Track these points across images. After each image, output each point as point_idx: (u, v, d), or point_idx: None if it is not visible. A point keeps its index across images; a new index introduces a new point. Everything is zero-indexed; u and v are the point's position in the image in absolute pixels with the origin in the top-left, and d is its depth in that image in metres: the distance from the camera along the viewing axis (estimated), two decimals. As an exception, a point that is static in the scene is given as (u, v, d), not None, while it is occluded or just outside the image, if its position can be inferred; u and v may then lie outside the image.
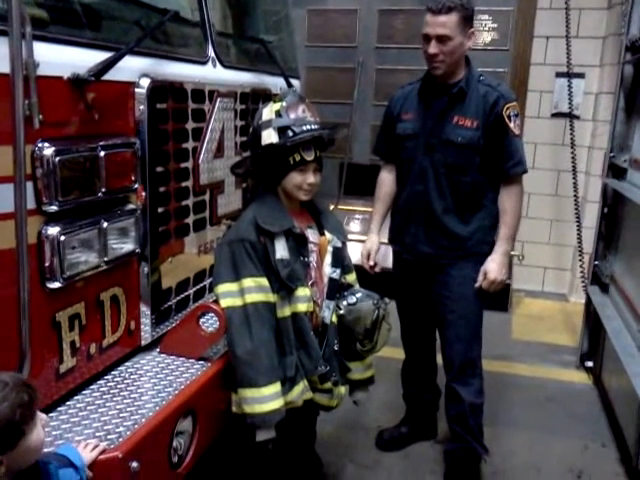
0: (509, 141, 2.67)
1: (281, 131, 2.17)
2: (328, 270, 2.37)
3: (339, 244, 2.41)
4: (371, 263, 2.93)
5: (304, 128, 2.18)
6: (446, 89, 2.69)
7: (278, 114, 2.20)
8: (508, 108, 2.64)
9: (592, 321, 4.14)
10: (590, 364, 4.15)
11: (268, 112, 2.23)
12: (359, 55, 5.61)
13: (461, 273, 2.76)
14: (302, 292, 2.22)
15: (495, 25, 5.52)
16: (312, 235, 2.34)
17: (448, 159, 2.68)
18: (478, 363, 2.83)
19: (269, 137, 2.19)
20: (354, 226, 5.53)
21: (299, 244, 2.25)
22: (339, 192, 5.49)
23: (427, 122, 2.73)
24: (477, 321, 2.81)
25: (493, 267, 2.70)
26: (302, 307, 2.23)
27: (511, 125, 2.65)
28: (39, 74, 1.56)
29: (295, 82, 3.28)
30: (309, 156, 2.20)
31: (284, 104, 2.22)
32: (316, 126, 2.22)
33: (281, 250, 2.18)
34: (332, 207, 5.17)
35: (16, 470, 1.34)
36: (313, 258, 2.32)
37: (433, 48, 2.56)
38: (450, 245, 2.75)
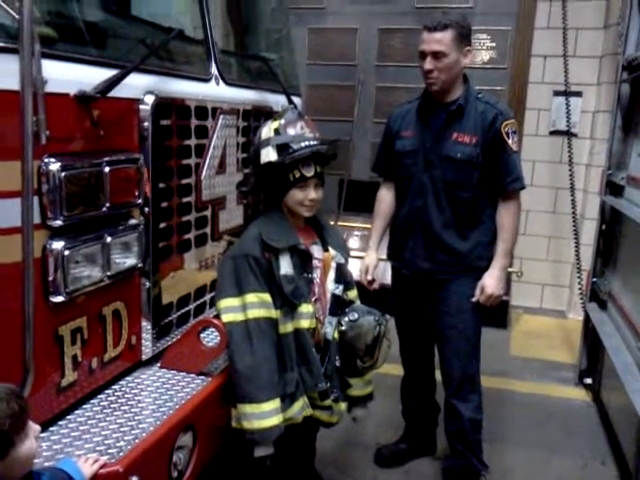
0: (507, 157, 2.70)
1: (280, 148, 2.19)
2: (331, 286, 2.39)
3: (342, 260, 2.42)
4: (369, 278, 2.94)
5: (302, 144, 2.20)
6: (444, 107, 2.72)
7: (277, 132, 2.23)
8: (507, 125, 2.67)
9: (591, 338, 4.14)
10: (589, 381, 4.15)
11: (267, 131, 2.26)
12: (359, 73, 5.67)
13: (459, 289, 2.77)
14: (305, 308, 2.23)
15: (493, 44, 5.60)
16: (316, 251, 2.35)
17: (447, 175, 2.71)
18: (477, 379, 2.84)
19: (267, 155, 2.21)
20: (353, 243, 5.55)
21: (303, 260, 2.26)
22: (338, 209, 5.51)
23: (426, 139, 2.76)
24: (475, 337, 2.82)
25: (490, 282, 2.72)
26: (305, 323, 2.24)
27: (509, 142, 2.68)
28: (46, 91, 1.58)
29: (296, 100, 3.32)
30: (309, 172, 2.22)
31: (282, 122, 2.24)
32: (315, 142, 2.24)
33: (286, 266, 2.19)
34: (332, 224, 5.20)
35: None
36: (317, 274, 2.33)
37: (428, 64, 2.61)
38: (449, 260, 2.77)
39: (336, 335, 2.36)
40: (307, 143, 2.21)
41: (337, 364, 2.37)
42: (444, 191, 2.72)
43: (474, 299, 2.73)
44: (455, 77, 2.68)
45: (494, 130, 2.66)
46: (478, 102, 2.71)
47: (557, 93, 5.53)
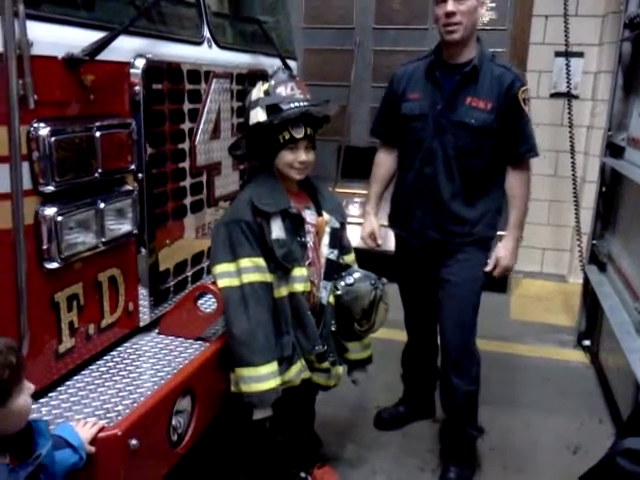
0: (524, 125, 2.62)
1: (270, 110, 2.17)
2: (326, 251, 2.38)
3: (337, 225, 2.41)
4: (379, 242, 2.91)
5: (292, 105, 2.17)
6: (457, 68, 2.60)
7: (267, 93, 2.21)
8: (523, 91, 2.58)
9: (590, 300, 4.15)
10: (587, 343, 4.17)
11: (257, 92, 2.24)
12: (356, 36, 5.56)
13: (465, 258, 2.71)
14: (299, 272, 2.23)
15: (494, 4, 5.46)
16: (309, 216, 2.34)
17: (459, 142, 2.61)
18: (474, 348, 2.81)
19: (256, 116, 2.19)
20: (353, 209, 5.50)
21: (296, 224, 2.25)
22: (337, 175, 5.47)
23: (436, 102, 2.63)
24: (475, 307, 2.77)
25: (505, 254, 2.70)
26: (299, 287, 2.24)
27: (525, 109, 2.59)
28: (33, 54, 1.55)
29: (292, 63, 3.26)
30: (298, 133, 2.20)
31: (272, 83, 2.22)
32: (305, 103, 2.21)
33: (277, 230, 2.18)
34: (330, 190, 5.16)
35: (1, 433, 1.38)
36: (310, 239, 2.33)
37: (451, 5, 2.44)
38: (459, 230, 2.69)
39: (331, 299, 2.37)
40: (297, 104, 2.19)
41: (333, 328, 2.38)
42: (455, 158, 2.62)
43: (487, 268, 2.70)
44: (473, 28, 2.55)
45: (512, 96, 2.56)
46: (493, 65, 2.60)
47: (558, 54, 5.42)
